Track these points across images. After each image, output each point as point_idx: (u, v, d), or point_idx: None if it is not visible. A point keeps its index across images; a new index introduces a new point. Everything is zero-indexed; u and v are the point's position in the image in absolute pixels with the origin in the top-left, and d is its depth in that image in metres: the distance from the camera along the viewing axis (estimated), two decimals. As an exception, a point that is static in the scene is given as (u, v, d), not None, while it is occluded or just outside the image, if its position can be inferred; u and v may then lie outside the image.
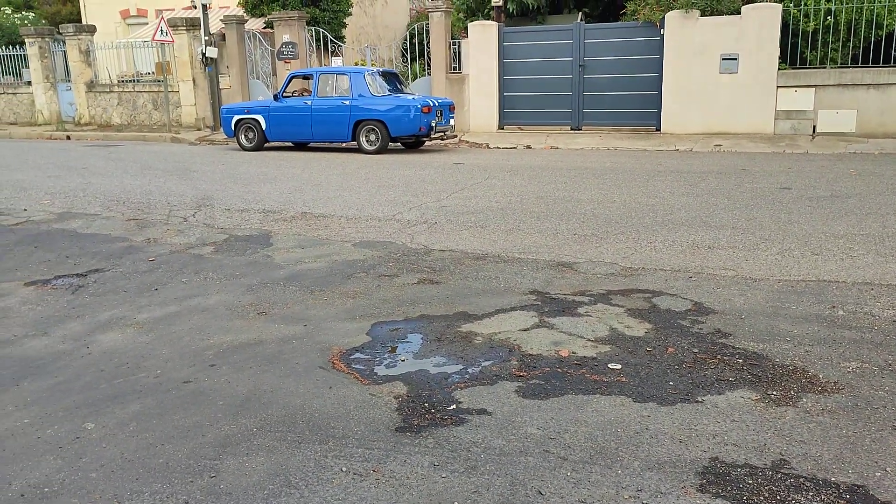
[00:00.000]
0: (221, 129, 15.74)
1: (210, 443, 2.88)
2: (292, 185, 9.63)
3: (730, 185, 8.83)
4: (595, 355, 3.67)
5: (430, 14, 16.92)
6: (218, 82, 18.58)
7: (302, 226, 7.00)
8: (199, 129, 18.74)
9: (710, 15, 14.35)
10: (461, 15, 19.39)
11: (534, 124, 16.21)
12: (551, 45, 15.75)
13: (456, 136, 14.68)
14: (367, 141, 13.33)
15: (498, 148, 14.16)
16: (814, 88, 13.81)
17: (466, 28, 16.98)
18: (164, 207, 8.11)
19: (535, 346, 3.80)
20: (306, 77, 14.58)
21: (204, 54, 18.16)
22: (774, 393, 3.20)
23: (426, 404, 3.18)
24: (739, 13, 14.11)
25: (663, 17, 14.52)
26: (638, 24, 15.00)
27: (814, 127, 13.92)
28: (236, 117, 14.51)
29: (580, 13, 18.57)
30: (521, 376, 3.44)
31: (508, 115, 16.46)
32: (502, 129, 16.45)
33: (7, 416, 3.18)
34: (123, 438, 2.94)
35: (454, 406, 3.15)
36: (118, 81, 20.92)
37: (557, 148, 13.70)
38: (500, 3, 17.19)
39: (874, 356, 3.58)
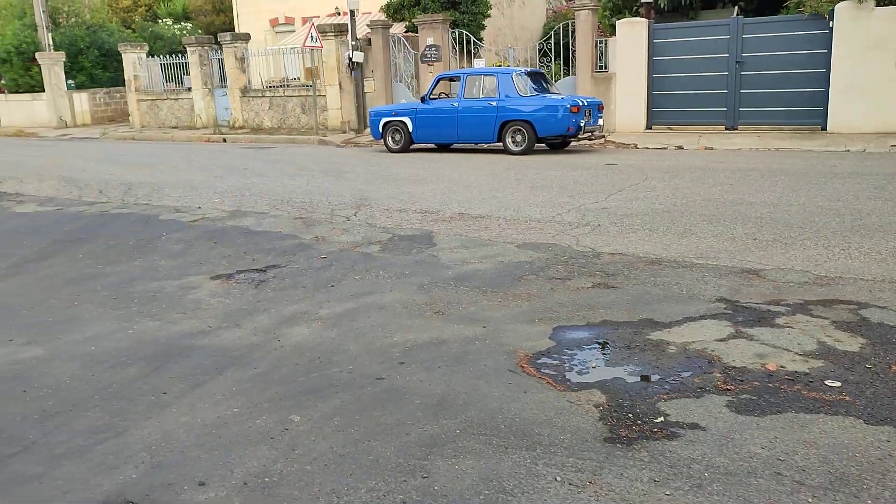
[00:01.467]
0: (366, 131, 16.14)
1: (415, 442, 2.86)
2: (443, 185, 9.68)
3: (920, 189, 8.06)
4: (807, 370, 3.38)
5: (576, 13, 16.62)
6: (363, 86, 19.10)
7: (461, 226, 6.99)
8: (344, 132, 19.31)
9: (887, 5, 13.23)
10: (606, 13, 18.94)
11: (684, 124, 15.54)
12: (706, 41, 15.06)
13: (603, 137, 14.33)
14: (513, 142, 13.22)
15: (647, 148, 13.69)
16: None
17: (612, 26, 16.53)
18: (326, 207, 8.35)
19: (738, 359, 3.55)
20: (453, 79, 14.66)
21: (351, 59, 18.71)
22: None
23: (630, 415, 3.02)
24: (920, 2, 12.95)
25: (832, 9, 13.54)
26: (804, 17, 14.07)
27: None
28: (384, 119, 14.80)
29: (735, 7, 17.67)
30: (728, 390, 3.21)
31: (657, 115, 15.89)
32: (650, 129, 15.90)
33: (217, 404, 3.30)
34: (330, 432, 2.97)
35: (661, 419, 2.97)
36: (268, 86, 21.94)
37: (712, 148, 13.07)
38: (651, 0, 16.63)
39: None
